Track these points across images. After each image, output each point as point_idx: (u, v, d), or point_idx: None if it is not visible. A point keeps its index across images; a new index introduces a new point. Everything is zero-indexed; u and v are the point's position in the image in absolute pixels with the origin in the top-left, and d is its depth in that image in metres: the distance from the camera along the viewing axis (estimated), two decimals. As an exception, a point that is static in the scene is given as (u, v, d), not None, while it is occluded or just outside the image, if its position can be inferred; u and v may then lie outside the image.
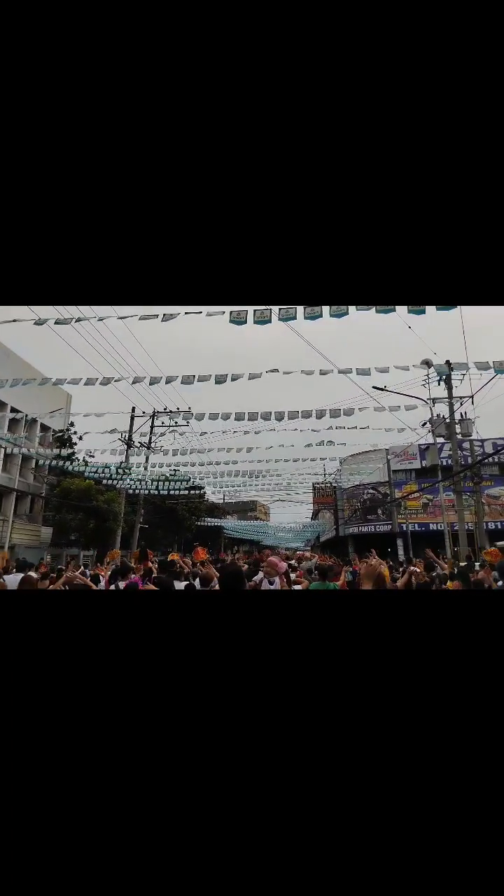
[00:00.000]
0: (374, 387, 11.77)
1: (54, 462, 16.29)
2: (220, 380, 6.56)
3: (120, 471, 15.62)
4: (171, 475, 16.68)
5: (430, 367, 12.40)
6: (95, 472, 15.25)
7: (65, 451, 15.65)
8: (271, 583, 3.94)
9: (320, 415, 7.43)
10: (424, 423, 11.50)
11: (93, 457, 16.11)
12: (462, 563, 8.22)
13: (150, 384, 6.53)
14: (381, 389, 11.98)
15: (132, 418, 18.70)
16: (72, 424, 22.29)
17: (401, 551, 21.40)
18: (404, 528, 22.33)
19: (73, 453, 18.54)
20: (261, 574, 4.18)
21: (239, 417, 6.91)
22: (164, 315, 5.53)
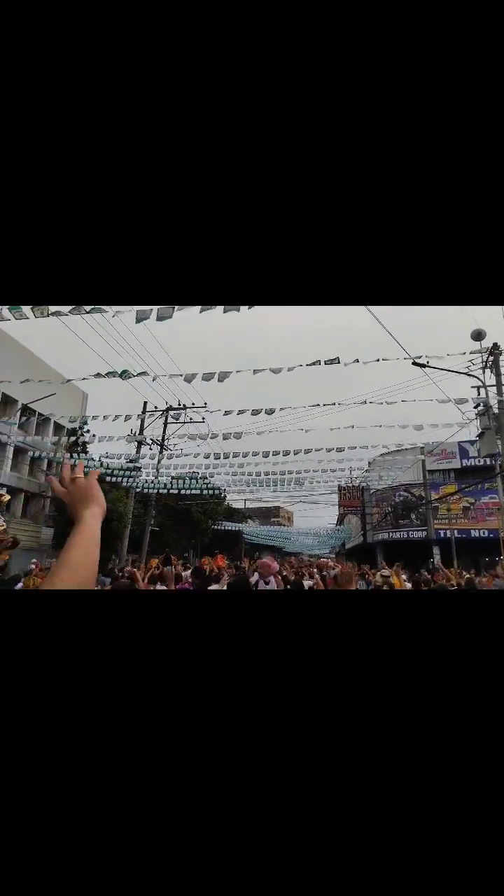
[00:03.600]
0: (414, 363, 9.92)
1: (63, 460, 15.18)
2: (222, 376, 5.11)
3: (127, 469, 14.31)
4: (185, 474, 15.28)
5: (482, 339, 10.43)
6: (100, 467, 13.93)
7: (77, 452, 14.60)
8: (266, 583, 3.92)
9: (330, 362, 5.55)
10: (477, 406, 9.59)
11: (110, 458, 14.87)
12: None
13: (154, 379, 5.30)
14: (423, 366, 10.09)
15: (143, 413, 17.51)
16: (84, 423, 21.49)
17: (438, 560, 19.17)
18: (441, 535, 20.12)
19: (85, 448, 17.50)
20: (256, 576, 4.20)
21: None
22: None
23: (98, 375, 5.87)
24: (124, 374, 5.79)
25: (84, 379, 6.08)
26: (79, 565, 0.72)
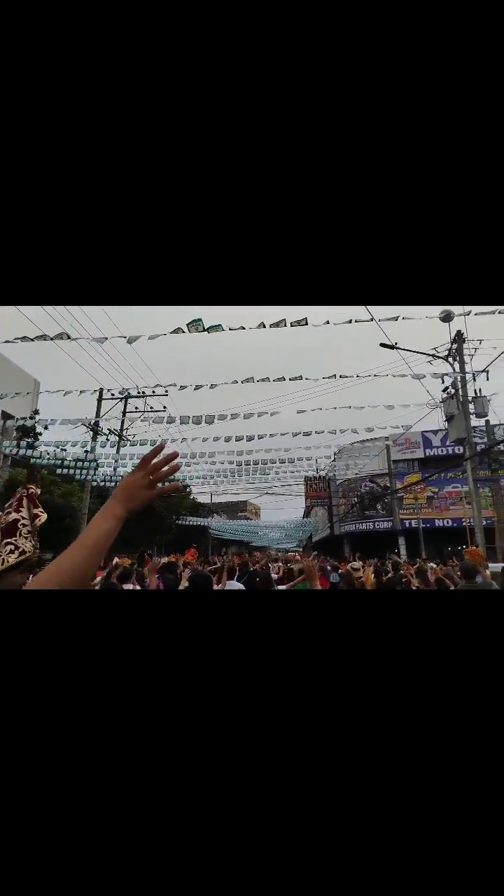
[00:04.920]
0: (382, 344, 9.56)
1: (10, 452, 14.01)
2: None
3: (82, 460, 13.28)
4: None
5: (450, 321, 10.21)
6: (48, 459, 12.88)
7: (28, 441, 13.43)
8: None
9: (297, 323, 4.88)
10: (446, 388, 9.36)
11: (65, 450, 13.75)
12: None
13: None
14: (392, 347, 9.78)
15: (100, 401, 16.46)
16: (36, 412, 20.15)
17: (404, 551, 19.23)
18: (407, 525, 20.20)
19: (36, 436, 16.31)
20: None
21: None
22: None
23: (26, 339, 5.01)
24: (59, 337, 4.99)
25: (7, 342, 5.22)
26: (78, 566, 0.72)
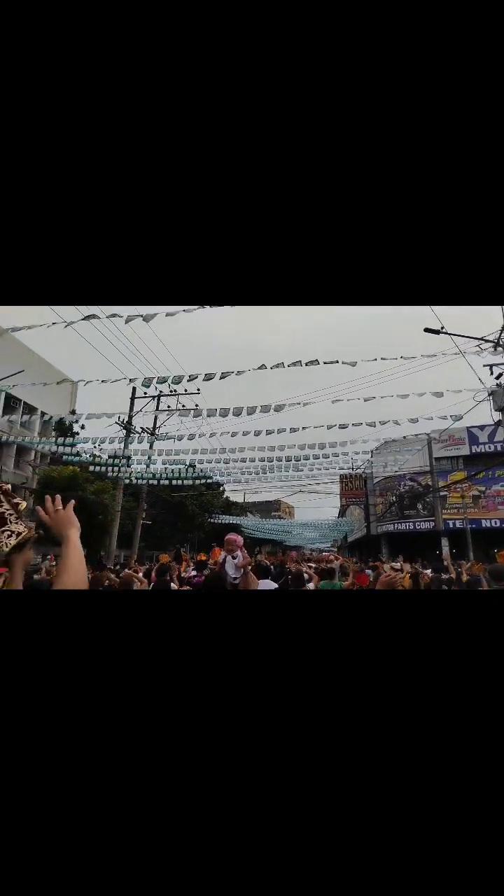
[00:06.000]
0: (426, 329, 8.79)
1: (48, 449, 14.26)
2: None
3: (115, 457, 13.28)
4: (178, 460, 14.25)
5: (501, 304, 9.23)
6: (79, 455, 12.94)
7: (67, 440, 13.65)
8: (234, 557, 3.99)
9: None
10: (499, 376, 8.48)
11: (100, 448, 13.86)
12: None
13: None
14: (437, 332, 8.98)
15: (132, 399, 16.47)
16: (73, 412, 20.68)
17: (447, 553, 18.09)
18: (450, 526, 19.02)
19: (73, 435, 16.64)
20: (222, 554, 4.27)
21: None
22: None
23: (53, 324, 4.83)
24: (89, 317, 4.75)
25: (27, 328, 5.06)
26: (76, 571, 1.00)
